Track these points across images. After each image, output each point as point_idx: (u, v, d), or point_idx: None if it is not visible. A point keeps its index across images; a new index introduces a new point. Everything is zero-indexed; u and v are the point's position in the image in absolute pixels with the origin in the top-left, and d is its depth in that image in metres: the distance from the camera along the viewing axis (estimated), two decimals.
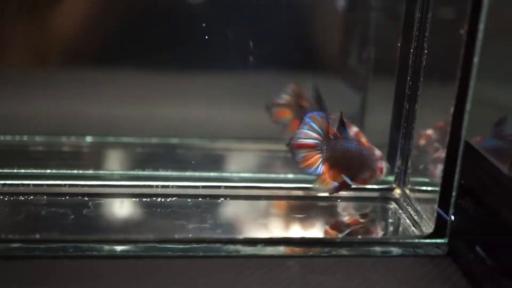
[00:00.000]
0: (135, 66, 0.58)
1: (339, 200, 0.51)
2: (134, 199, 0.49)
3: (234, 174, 0.53)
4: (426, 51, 0.47)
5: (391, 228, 0.48)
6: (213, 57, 0.56)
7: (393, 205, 0.51)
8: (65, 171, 0.51)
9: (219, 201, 0.50)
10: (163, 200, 0.49)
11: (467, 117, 0.41)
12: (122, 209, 0.48)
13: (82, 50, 0.59)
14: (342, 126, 0.46)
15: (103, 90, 0.59)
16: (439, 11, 0.47)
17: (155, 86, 0.58)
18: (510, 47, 0.44)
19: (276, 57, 0.57)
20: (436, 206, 0.44)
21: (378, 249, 0.44)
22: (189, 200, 0.49)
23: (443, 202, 0.44)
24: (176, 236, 0.43)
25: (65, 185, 0.50)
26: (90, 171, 0.52)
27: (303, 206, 0.50)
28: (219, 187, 0.51)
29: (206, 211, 0.48)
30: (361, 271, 0.42)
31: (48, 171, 0.51)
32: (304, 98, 0.52)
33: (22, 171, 0.51)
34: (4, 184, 0.49)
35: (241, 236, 0.43)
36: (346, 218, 0.49)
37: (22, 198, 0.48)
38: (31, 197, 0.48)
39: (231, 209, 0.49)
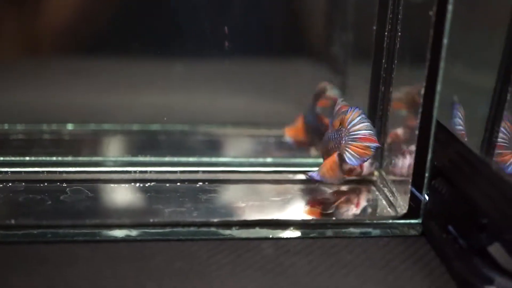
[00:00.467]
0: (114, 54, 0.58)
1: (317, 183, 0.51)
2: (112, 185, 0.49)
3: (213, 159, 0.54)
4: (399, 34, 0.47)
5: (367, 210, 0.48)
6: (190, 44, 0.56)
7: (371, 187, 0.51)
8: (44, 158, 0.52)
9: (198, 185, 0.50)
10: (141, 185, 0.49)
11: (438, 98, 0.41)
12: (100, 194, 0.48)
13: (62, 39, 0.59)
14: None
15: (84, 78, 0.59)
16: None
17: (134, 73, 0.58)
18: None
19: (253, 43, 0.57)
20: (408, 186, 0.44)
21: (352, 230, 0.45)
22: (167, 185, 0.50)
23: (417, 183, 0.44)
24: (151, 220, 0.43)
25: (43, 172, 0.50)
26: (69, 158, 0.52)
27: (281, 190, 0.50)
28: (197, 171, 0.52)
29: (184, 195, 0.48)
30: (335, 251, 0.42)
31: (27, 158, 0.51)
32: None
33: (1, 158, 0.51)
34: None
35: (216, 219, 0.43)
36: (322, 200, 0.49)
37: (0, 185, 0.48)
38: (9, 184, 0.48)
39: (209, 194, 0.49)
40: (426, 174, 0.43)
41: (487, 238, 0.40)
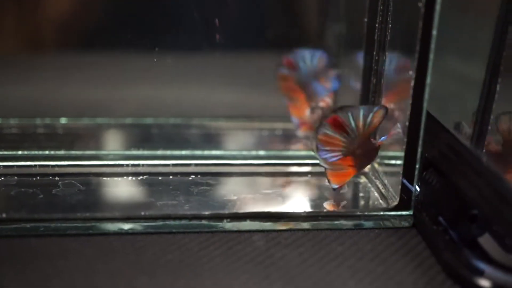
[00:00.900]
0: (106, 48, 0.58)
1: (309, 176, 0.51)
2: (105, 178, 0.49)
3: (206, 152, 0.54)
4: (390, 26, 0.47)
5: (358, 202, 0.48)
6: (183, 37, 0.56)
7: (362, 179, 0.51)
8: (36, 152, 0.52)
9: (190, 178, 0.50)
10: (133, 178, 0.49)
11: (428, 90, 0.41)
12: (92, 187, 0.48)
13: (54, 33, 0.59)
14: None
15: (77, 72, 0.59)
16: None
17: (127, 67, 0.59)
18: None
19: (244, 36, 0.57)
20: (399, 178, 0.44)
21: (343, 222, 0.45)
22: (160, 178, 0.50)
23: (408, 174, 0.44)
24: (143, 213, 0.43)
25: (35, 165, 0.50)
26: (62, 152, 0.52)
27: (273, 182, 0.50)
28: (189, 165, 0.52)
29: (176, 188, 0.48)
30: (326, 243, 0.43)
31: (20, 152, 0.51)
32: None
33: None
34: None
35: (207, 212, 0.44)
36: (315, 193, 0.49)
37: None
38: (2, 178, 0.48)
39: (201, 187, 0.49)
40: (417, 166, 0.44)
41: (477, 229, 0.40)
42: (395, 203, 0.45)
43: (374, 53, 0.50)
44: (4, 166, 0.50)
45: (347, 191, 0.49)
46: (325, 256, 0.41)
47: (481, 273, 0.38)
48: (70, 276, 0.38)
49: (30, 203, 0.45)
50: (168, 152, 0.53)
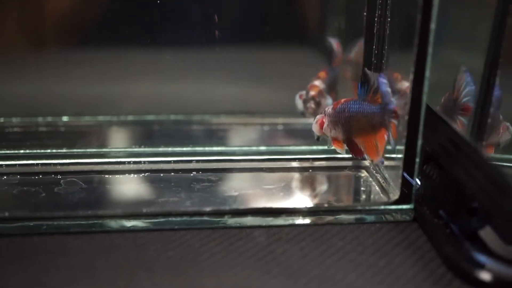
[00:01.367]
0: (107, 45, 0.58)
1: (310, 170, 0.52)
2: (107, 176, 0.50)
3: (207, 148, 0.54)
4: (389, 19, 0.47)
5: (359, 196, 0.48)
6: (183, 32, 0.56)
7: (363, 173, 0.51)
8: (38, 151, 0.52)
9: (192, 175, 0.50)
10: (135, 175, 0.50)
11: (427, 83, 0.41)
12: (94, 185, 0.48)
13: (54, 31, 0.59)
14: None
15: (79, 70, 0.59)
16: None
17: (127, 64, 0.59)
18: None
19: (245, 31, 0.57)
20: (400, 172, 0.44)
21: (344, 216, 0.45)
22: (161, 175, 0.50)
23: (408, 168, 0.44)
24: (144, 211, 0.43)
25: (38, 164, 0.50)
26: (64, 150, 0.52)
27: (274, 178, 0.50)
28: (191, 161, 0.52)
29: (177, 185, 0.48)
30: (326, 238, 0.43)
31: (22, 151, 0.52)
32: None
33: None
34: None
35: (208, 208, 0.44)
36: (316, 187, 0.49)
37: None
38: (4, 177, 0.48)
39: (202, 183, 0.49)
40: (417, 160, 0.44)
41: (478, 222, 0.40)
42: (396, 197, 0.45)
43: (374, 46, 0.50)
44: (6, 165, 0.50)
45: (348, 186, 0.49)
46: (326, 251, 0.41)
47: (481, 266, 0.38)
48: (71, 273, 0.39)
49: (32, 201, 0.45)
50: (170, 149, 0.53)
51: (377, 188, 0.49)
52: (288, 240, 0.42)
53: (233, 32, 0.57)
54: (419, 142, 0.43)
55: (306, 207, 0.45)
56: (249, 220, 0.44)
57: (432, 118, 0.44)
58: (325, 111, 0.47)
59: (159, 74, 0.60)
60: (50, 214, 0.43)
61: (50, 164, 0.50)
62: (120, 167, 0.51)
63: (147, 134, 0.58)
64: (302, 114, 0.54)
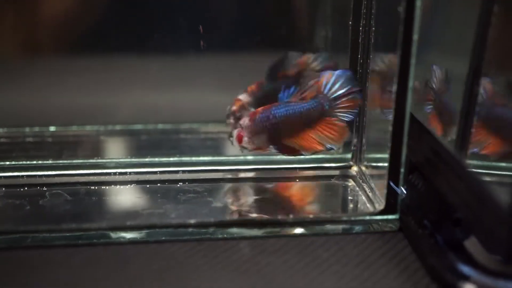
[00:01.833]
0: (95, 55, 0.58)
1: (297, 180, 0.51)
2: (93, 187, 0.49)
3: (194, 158, 0.54)
4: (373, 29, 0.47)
5: (345, 206, 0.48)
6: (170, 41, 0.56)
7: (350, 183, 0.51)
8: (24, 162, 0.52)
9: (178, 185, 0.50)
10: (121, 187, 0.50)
11: (410, 94, 0.41)
12: (79, 197, 0.48)
13: (44, 40, 0.59)
14: None
15: (66, 79, 0.59)
16: None
17: (116, 73, 0.59)
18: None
19: (233, 39, 0.57)
20: (386, 182, 0.44)
21: (330, 227, 0.45)
22: (148, 186, 0.50)
23: (393, 178, 0.44)
24: (128, 223, 0.43)
25: (23, 176, 0.50)
26: (49, 161, 0.52)
27: (259, 188, 0.50)
28: (177, 171, 0.52)
29: (163, 196, 0.48)
30: (311, 249, 0.43)
31: (7, 163, 0.51)
32: None
33: None
34: None
35: (193, 220, 0.44)
36: (302, 198, 0.49)
37: None
38: None
39: (188, 194, 0.49)
40: (402, 170, 0.44)
41: (462, 233, 0.40)
42: (382, 207, 0.45)
43: (359, 56, 0.50)
44: None
45: (335, 195, 0.49)
46: (310, 263, 0.41)
47: (466, 278, 0.38)
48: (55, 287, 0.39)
49: (17, 214, 0.45)
50: (156, 159, 0.53)
51: (363, 197, 0.49)
52: (273, 252, 0.42)
53: (222, 41, 0.57)
54: (404, 152, 0.43)
55: (291, 218, 0.45)
56: (234, 232, 0.44)
57: (416, 128, 0.44)
58: (240, 125, 0.48)
59: (147, 83, 0.60)
60: (34, 227, 0.43)
61: (35, 175, 0.50)
62: (106, 178, 0.51)
63: (135, 144, 0.57)
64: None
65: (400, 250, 0.43)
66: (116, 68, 0.59)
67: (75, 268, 0.41)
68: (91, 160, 0.53)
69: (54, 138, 0.58)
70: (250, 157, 0.54)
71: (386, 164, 0.44)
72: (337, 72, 0.47)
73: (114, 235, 0.43)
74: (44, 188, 0.49)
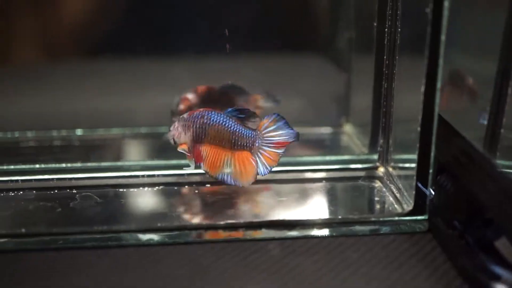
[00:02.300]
0: (119, 56, 0.59)
1: (323, 181, 0.52)
2: (122, 190, 0.50)
3: None
4: (399, 30, 0.47)
5: (373, 207, 0.48)
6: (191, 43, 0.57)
7: (377, 184, 0.51)
8: (53, 165, 0.52)
9: (206, 187, 0.50)
10: (149, 189, 0.50)
11: (438, 95, 0.41)
12: (110, 199, 0.49)
13: (71, 45, 0.60)
14: None
15: (91, 82, 0.60)
16: None
17: (139, 76, 0.59)
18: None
19: (256, 40, 0.57)
20: (414, 182, 0.44)
21: (358, 228, 0.45)
22: (175, 188, 0.50)
23: (422, 179, 0.44)
24: (159, 225, 0.44)
25: (53, 179, 0.51)
26: (78, 164, 0.53)
27: (287, 189, 0.51)
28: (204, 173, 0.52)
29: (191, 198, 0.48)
30: (340, 250, 0.43)
31: (37, 166, 0.52)
32: None
33: (12, 167, 0.52)
34: None
35: (222, 222, 0.44)
36: (329, 199, 0.49)
37: (12, 194, 0.49)
38: (20, 192, 0.49)
39: (216, 196, 0.49)
40: (430, 170, 0.43)
41: (493, 233, 0.40)
42: (410, 208, 0.45)
43: (385, 57, 0.50)
44: (22, 180, 0.50)
45: (362, 197, 0.49)
46: (339, 264, 0.41)
47: (498, 278, 0.38)
48: None
49: (49, 216, 0.45)
50: (183, 162, 0.53)
51: (391, 198, 0.49)
52: (302, 253, 0.42)
53: (245, 42, 0.58)
54: (432, 153, 0.43)
55: (320, 219, 0.45)
56: (263, 233, 0.44)
57: (445, 128, 0.44)
58: (179, 118, 0.48)
59: (171, 85, 0.60)
60: (66, 230, 0.44)
61: (65, 178, 0.51)
62: (135, 180, 0.51)
63: (160, 147, 0.58)
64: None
65: (429, 251, 0.43)
66: (141, 71, 0.59)
67: (106, 270, 0.41)
68: (118, 163, 0.54)
69: (81, 142, 0.59)
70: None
71: (413, 165, 0.45)
72: (280, 123, 0.47)
73: (143, 236, 0.44)
74: (74, 191, 0.49)
